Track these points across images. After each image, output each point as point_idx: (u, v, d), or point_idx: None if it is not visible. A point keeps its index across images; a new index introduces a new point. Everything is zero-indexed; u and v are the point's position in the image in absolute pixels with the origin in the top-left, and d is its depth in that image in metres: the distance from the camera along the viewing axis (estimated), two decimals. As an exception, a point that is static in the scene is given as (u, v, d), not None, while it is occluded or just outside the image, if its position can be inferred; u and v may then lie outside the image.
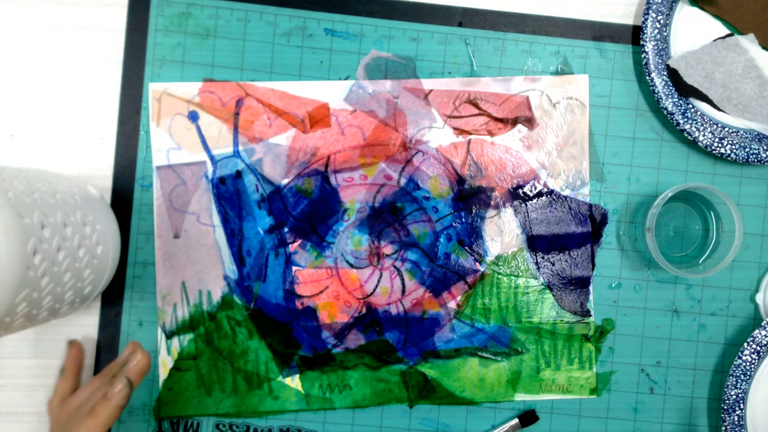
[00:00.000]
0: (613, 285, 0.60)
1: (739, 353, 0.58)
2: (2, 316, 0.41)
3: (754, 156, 0.58)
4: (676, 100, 0.58)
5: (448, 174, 0.60)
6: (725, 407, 0.58)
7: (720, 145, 0.58)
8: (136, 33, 0.59)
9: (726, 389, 0.58)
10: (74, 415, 0.50)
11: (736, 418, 0.58)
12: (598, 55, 0.60)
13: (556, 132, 0.60)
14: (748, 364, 0.58)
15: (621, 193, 0.60)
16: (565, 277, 0.60)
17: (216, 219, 0.59)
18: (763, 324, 0.58)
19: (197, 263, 0.59)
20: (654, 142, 0.61)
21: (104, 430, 0.48)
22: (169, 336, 0.59)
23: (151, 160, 0.59)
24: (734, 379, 0.58)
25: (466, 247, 0.60)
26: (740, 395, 0.58)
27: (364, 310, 0.59)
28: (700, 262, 0.59)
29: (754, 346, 0.58)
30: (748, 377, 0.58)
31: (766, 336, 0.58)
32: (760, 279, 0.61)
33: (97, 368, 0.59)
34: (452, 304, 0.60)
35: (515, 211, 0.60)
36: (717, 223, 0.59)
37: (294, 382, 0.59)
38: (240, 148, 0.59)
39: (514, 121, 0.60)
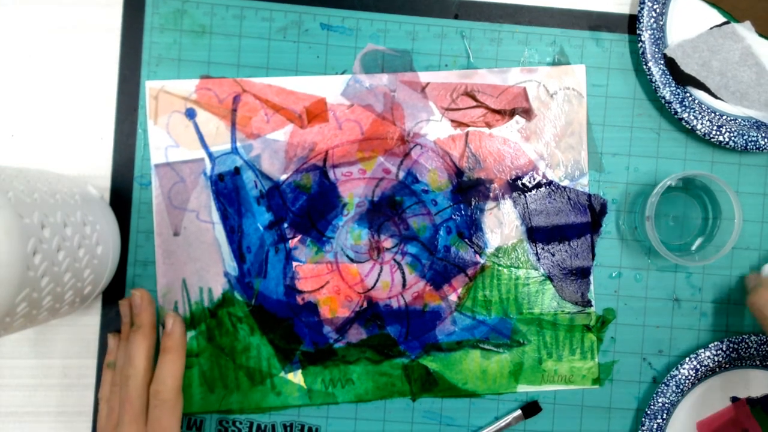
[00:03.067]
0: (614, 275, 0.60)
1: (679, 365, 0.58)
2: (2, 316, 0.41)
3: (753, 143, 0.58)
4: (674, 88, 0.58)
5: (447, 167, 0.60)
6: (649, 412, 0.58)
7: (718, 133, 0.58)
8: (132, 31, 0.59)
9: (654, 395, 0.58)
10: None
11: (655, 426, 0.58)
12: (595, 45, 0.60)
13: (553, 123, 0.60)
14: (684, 378, 0.58)
15: (620, 182, 0.60)
16: (566, 268, 0.60)
17: (215, 216, 0.59)
18: (710, 345, 0.58)
19: (197, 260, 0.59)
20: (652, 131, 0.61)
21: (183, 359, 0.54)
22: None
23: (149, 159, 0.59)
24: (665, 387, 0.58)
25: (466, 240, 0.60)
26: (666, 405, 0.58)
27: (365, 305, 0.59)
28: (700, 249, 0.59)
29: (695, 362, 0.58)
30: (680, 390, 0.58)
31: (708, 357, 0.58)
32: (760, 264, 0.61)
33: (99, 368, 0.59)
34: (453, 297, 0.60)
35: (514, 202, 0.60)
36: (716, 211, 0.59)
37: (296, 377, 0.59)
38: (238, 144, 0.59)
39: (512, 113, 0.59)
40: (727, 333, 0.61)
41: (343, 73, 0.59)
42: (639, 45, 0.58)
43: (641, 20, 0.58)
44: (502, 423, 0.59)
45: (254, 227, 0.59)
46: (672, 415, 0.59)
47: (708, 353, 0.58)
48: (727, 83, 0.59)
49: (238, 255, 0.59)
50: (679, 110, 0.58)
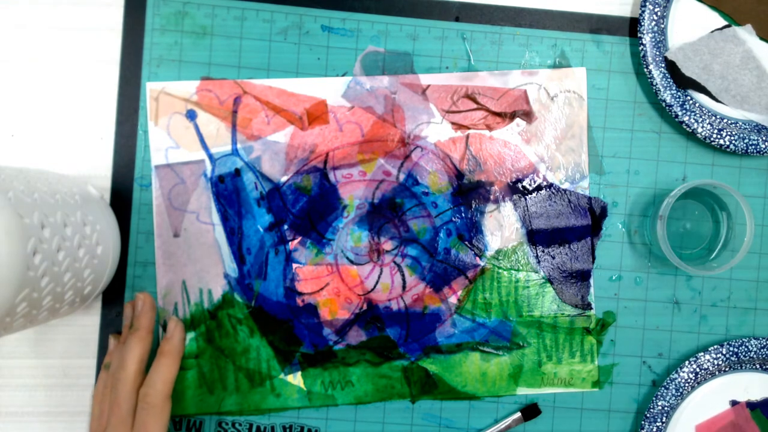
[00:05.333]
0: (614, 278, 0.60)
1: (679, 368, 0.58)
2: (2, 316, 0.41)
3: (753, 146, 0.58)
4: (675, 92, 0.58)
5: (447, 169, 0.60)
6: (648, 415, 0.58)
7: (719, 136, 0.58)
8: (133, 32, 0.59)
9: (654, 398, 0.58)
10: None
11: (655, 429, 0.58)
12: (596, 48, 0.60)
13: (554, 125, 0.60)
14: (683, 381, 0.58)
15: (620, 185, 0.60)
16: (566, 271, 0.60)
17: (215, 217, 0.59)
18: (709, 349, 0.58)
19: (197, 262, 0.59)
20: (652, 134, 0.61)
21: (178, 365, 0.54)
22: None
23: (149, 160, 0.59)
24: (665, 390, 0.58)
25: (466, 242, 0.60)
26: (666, 408, 0.58)
27: (364, 307, 0.59)
28: (711, 258, 0.59)
29: (694, 366, 0.58)
30: (679, 394, 0.58)
31: (708, 360, 0.58)
32: (759, 269, 0.61)
33: (98, 368, 0.59)
34: (453, 299, 0.60)
35: (515, 205, 0.60)
36: (726, 218, 0.59)
37: (296, 379, 0.59)
38: (238, 146, 0.59)
39: (513, 115, 0.59)
40: (726, 336, 0.61)
41: (343, 75, 0.59)
42: (640, 48, 0.58)
43: (642, 23, 0.58)
44: (501, 425, 0.59)
45: (254, 229, 0.59)
46: (671, 419, 0.59)
47: (708, 356, 0.58)
48: (727, 86, 0.59)
49: (238, 256, 0.59)
50: (679, 113, 0.58)
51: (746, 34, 0.59)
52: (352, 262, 0.59)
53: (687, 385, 0.58)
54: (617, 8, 0.61)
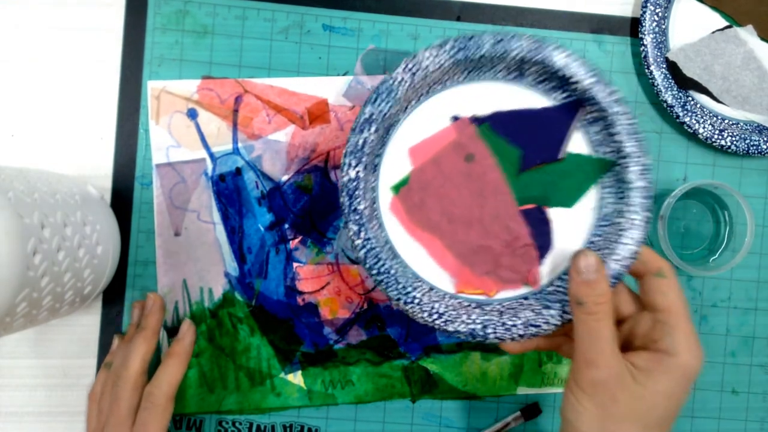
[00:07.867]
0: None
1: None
2: (2, 316, 0.41)
3: (755, 147, 0.58)
4: (676, 92, 0.58)
5: (448, 169, 0.59)
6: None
7: (720, 137, 0.58)
8: (134, 32, 0.59)
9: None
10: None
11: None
12: (597, 48, 0.60)
13: (555, 125, 0.60)
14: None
15: (621, 185, 0.60)
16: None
17: (216, 216, 0.59)
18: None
19: (198, 261, 0.59)
20: (653, 135, 0.60)
21: (185, 367, 0.55)
22: (171, 334, 0.59)
23: (150, 159, 0.59)
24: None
25: (467, 242, 0.59)
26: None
27: (365, 306, 0.59)
28: (711, 258, 0.59)
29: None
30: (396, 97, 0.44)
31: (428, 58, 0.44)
32: (760, 268, 0.61)
33: (98, 368, 0.59)
34: (453, 299, 0.59)
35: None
36: (726, 219, 0.59)
37: (296, 378, 0.59)
38: (239, 145, 0.59)
39: (514, 115, 0.59)
40: (726, 337, 0.61)
41: (344, 74, 0.59)
42: (641, 48, 0.58)
43: (643, 23, 0.58)
44: (501, 424, 0.59)
45: (255, 228, 0.59)
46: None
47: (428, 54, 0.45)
48: (729, 87, 0.59)
49: (239, 255, 0.59)
50: (680, 114, 0.58)
51: (747, 34, 0.59)
52: (352, 261, 0.59)
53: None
54: (618, 8, 0.61)
